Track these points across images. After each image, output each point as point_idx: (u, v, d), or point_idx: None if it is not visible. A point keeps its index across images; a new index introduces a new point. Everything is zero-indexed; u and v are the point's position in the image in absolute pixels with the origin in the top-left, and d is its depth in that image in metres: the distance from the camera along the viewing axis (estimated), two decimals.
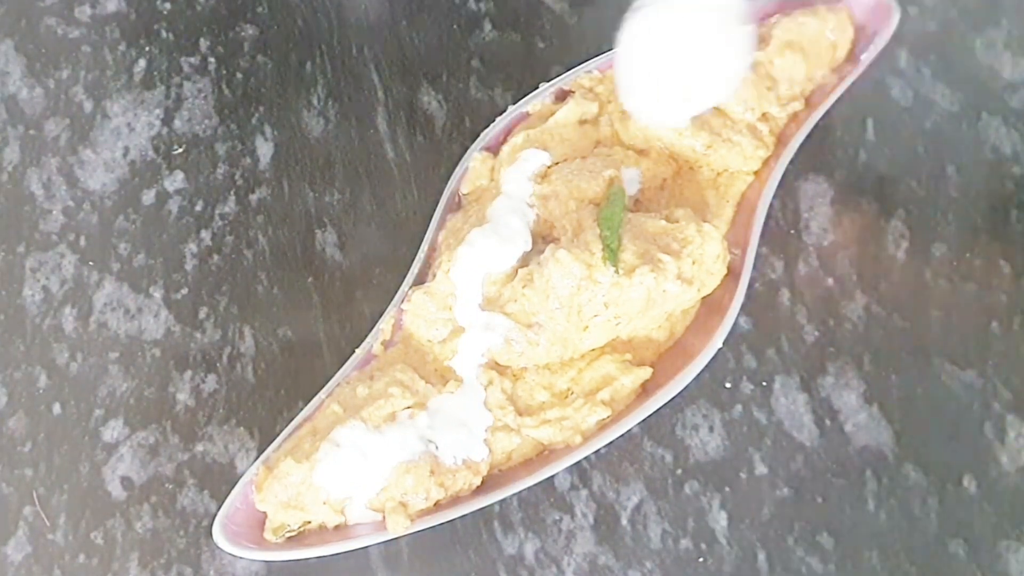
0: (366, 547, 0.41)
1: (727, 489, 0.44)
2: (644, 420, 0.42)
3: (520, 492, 0.42)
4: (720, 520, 0.43)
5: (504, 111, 0.49)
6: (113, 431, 0.46)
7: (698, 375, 0.43)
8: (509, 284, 0.43)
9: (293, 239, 0.50)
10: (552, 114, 0.48)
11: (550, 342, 0.42)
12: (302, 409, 0.43)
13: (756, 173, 0.47)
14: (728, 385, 0.46)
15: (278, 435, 0.42)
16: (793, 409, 0.45)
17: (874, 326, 0.47)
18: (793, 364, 0.46)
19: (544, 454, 0.43)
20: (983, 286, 0.47)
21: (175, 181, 0.52)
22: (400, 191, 0.51)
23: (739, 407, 0.45)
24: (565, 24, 0.55)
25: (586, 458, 0.43)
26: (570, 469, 0.44)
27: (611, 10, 0.55)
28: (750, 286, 0.45)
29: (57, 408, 0.47)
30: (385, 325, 0.44)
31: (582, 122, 0.48)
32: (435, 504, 0.41)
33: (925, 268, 0.48)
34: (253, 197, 0.51)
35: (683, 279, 0.43)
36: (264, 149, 0.52)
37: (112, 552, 0.44)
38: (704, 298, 0.45)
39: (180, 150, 0.53)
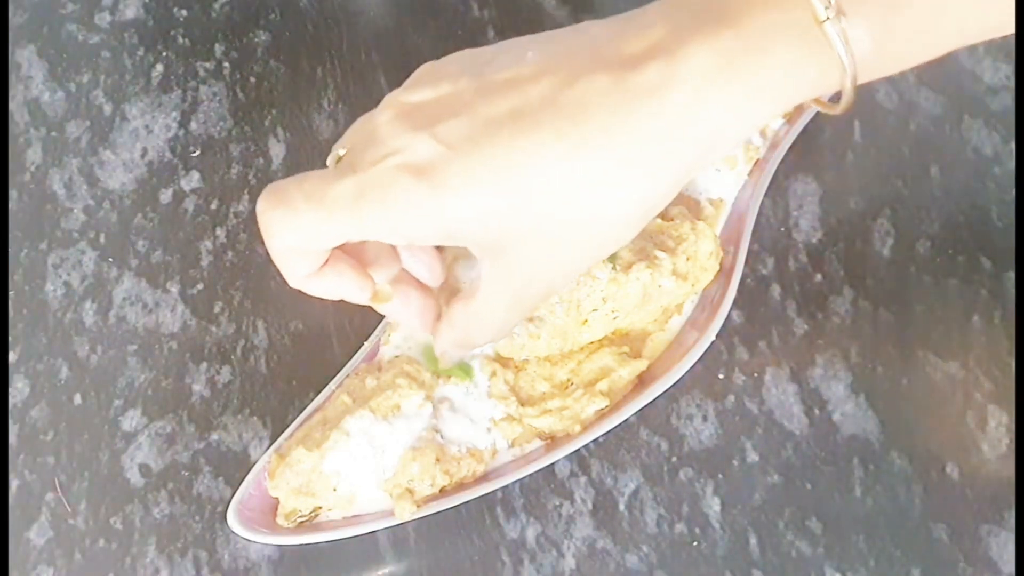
0: (374, 532, 0.41)
1: (720, 476, 0.44)
2: (641, 410, 0.42)
3: (522, 479, 0.42)
4: (713, 505, 0.43)
5: None
6: (132, 420, 0.46)
7: (692, 366, 0.42)
8: None
9: None
10: None
11: (551, 335, 0.42)
12: (313, 399, 0.43)
13: (748, 174, 0.47)
14: (721, 376, 0.45)
15: (290, 424, 0.42)
16: (783, 399, 0.45)
17: (861, 320, 0.46)
18: (783, 356, 0.46)
19: (545, 442, 0.42)
20: (965, 281, 0.47)
21: (191, 181, 0.51)
22: None
23: (732, 397, 0.45)
24: None
25: (585, 446, 0.43)
26: (570, 457, 0.43)
27: (608, 16, 0.55)
28: (742, 281, 0.45)
29: (78, 398, 0.46)
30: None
31: None
32: (440, 490, 0.41)
33: (910, 264, 0.47)
34: None
35: (678, 275, 0.43)
36: (277, 150, 0.52)
37: (131, 537, 0.43)
38: None
39: (197, 152, 0.52)
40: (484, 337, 0.38)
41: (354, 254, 0.36)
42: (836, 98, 0.33)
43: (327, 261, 0.35)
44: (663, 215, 0.44)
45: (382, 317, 0.44)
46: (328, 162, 0.36)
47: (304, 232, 0.33)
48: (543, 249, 0.33)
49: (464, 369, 0.42)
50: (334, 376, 0.43)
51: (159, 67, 0.55)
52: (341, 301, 0.46)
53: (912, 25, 0.31)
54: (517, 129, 0.31)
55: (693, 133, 0.31)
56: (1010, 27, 0.31)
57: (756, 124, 0.33)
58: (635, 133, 0.31)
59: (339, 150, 0.35)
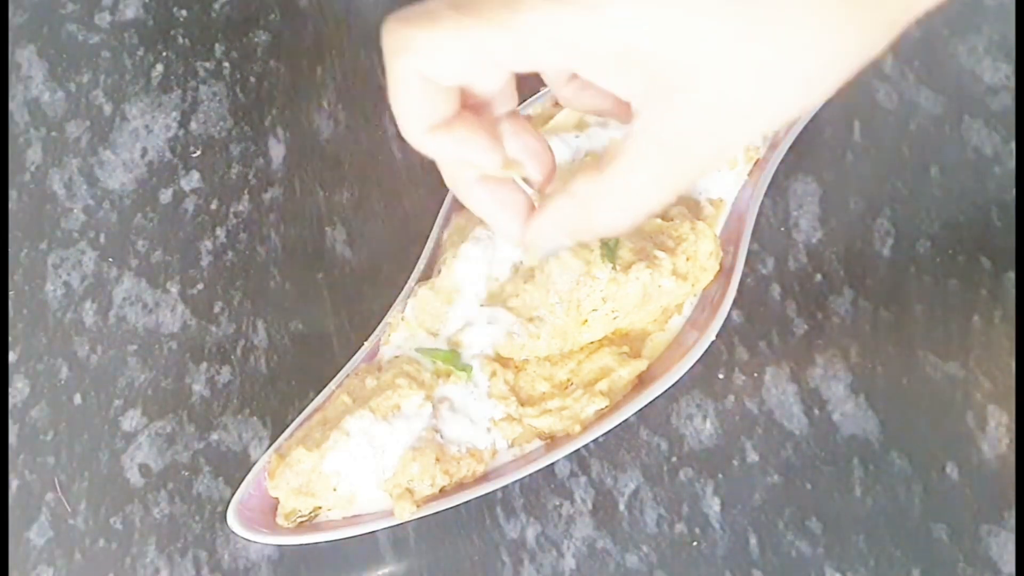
0: (374, 532, 0.41)
1: (720, 476, 0.43)
2: (640, 410, 0.42)
3: (522, 479, 0.42)
4: (713, 505, 0.43)
5: None
6: (132, 420, 0.46)
7: (692, 366, 0.42)
8: (511, 280, 0.43)
9: (304, 236, 0.50)
10: (552, 117, 0.48)
11: (550, 335, 0.42)
12: (313, 399, 0.43)
13: (748, 174, 0.47)
14: (721, 376, 0.45)
15: (290, 424, 0.42)
16: (783, 399, 0.45)
17: (861, 319, 0.46)
18: (783, 356, 0.46)
19: (545, 442, 0.42)
20: (965, 281, 0.47)
21: (191, 181, 0.51)
22: (407, 190, 0.50)
23: (731, 397, 0.45)
24: None
25: (585, 446, 0.42)
26: (570, 457, 0.43)
27: None
28: (742, 281, 0.44)
29: (78, 398, 0.46)
30: (392, 319, 0.44)
31: (580, 124, 0.48)
32: (440, 490, 0.41)
33: (910, 264, 0.47)
34: (266, 196, 0.51)
35: (678, 275, 0.42)
36: (276, 150, 0.52)
37: (131, 537, 0.43)
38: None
39: (197, 152, 0.52)
40: (611, 218, 0.31)
41: None
42: None
43: (456, 115, 0.30)
44: (663, 215, 0.44)
45: (382, 317, 0.44)
46: None
47: (446, 45, 0.27)
48: (713, 102, 0.27)
49: (463, 368, 0.42)
50: (334, 376, 0.43)
51: (159, 67, 0.55)
52: (339, 301, 0.46)
53: None
54: None
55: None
56: None
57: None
58: None
59: None
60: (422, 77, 0.29)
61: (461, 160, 0.31)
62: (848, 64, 0.27)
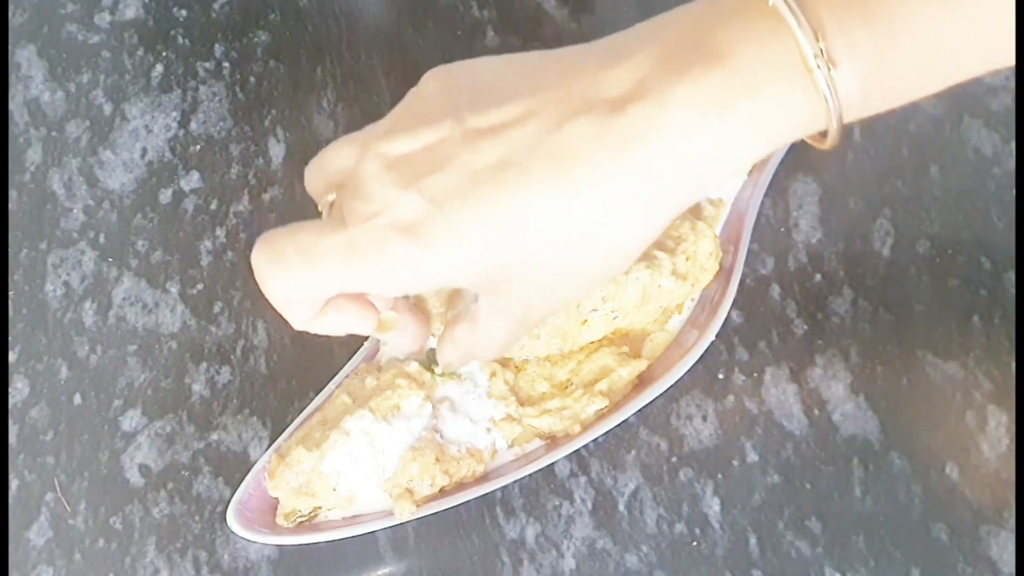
0: (374, 532, 0.41)
1: (720, 476, 0.43)
2: (640, 410, 0.42)
3: (522, 479, 0.42)
4: (713, 505, 0.43)
5: None
6: (131, 420, 0.46)
7: (692, 367, 0.42)
8: None
9: None
10: None
11: (550, 335, 0.42)
12: (313, 399, 0.43)
13: (748, 174, 0.47)
14: (721, 376, 0.45)
15: (290, 424, 0.42)
16: (783, 399, 0.45)
17: (861, 320, 0.46)
18: (783, 356, 0.46)
19: (545, 442, 0.42)
20: (965, 282, 0.47)
21: (191, 181, 0.51)
22: None
23: (731, 397, 0.45)
24: (564, 31, 0.54)
25: (585, 446, 0.43)
26: (569, 457, 0.43)
27: (608, 17, 0.55)
28: (742, 281, 0.44)
29: (78, 398, 0.46)
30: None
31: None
32: (440, 490, 0.41)
33: (910, 264, 0.47)
34: (266, 196, 0.51)
35: (678, 275, 0.42)
36: (276, 150, 0.52)
37: (130, 536, 0.43)
38: None
39: (197, 152, 0.52)
40: (488, 355, 0.39)
41: None
42: (825, 132, 0.32)
43: (328, 300, 0.36)
44: None
45: None
46: (320, 208, 0.36)
47: (299, 285, 0.34)
48: (538, 284, 0.34)
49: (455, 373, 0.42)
50: (334, 376, 0.43)
51: (159, 67, 0.55)
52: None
53: (906, 68, 0.31)
54: (505, 180, 0.31)
55: (683, 175, 0.31)
56: (1010, 59, 0.31)
57: (746, 163, 0.33)
58: (625, 178, 0.31)
59: (328, 197, 0.36)
60: (286, 299, 0.35)
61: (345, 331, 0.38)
62: (640, 243, 0.33)
